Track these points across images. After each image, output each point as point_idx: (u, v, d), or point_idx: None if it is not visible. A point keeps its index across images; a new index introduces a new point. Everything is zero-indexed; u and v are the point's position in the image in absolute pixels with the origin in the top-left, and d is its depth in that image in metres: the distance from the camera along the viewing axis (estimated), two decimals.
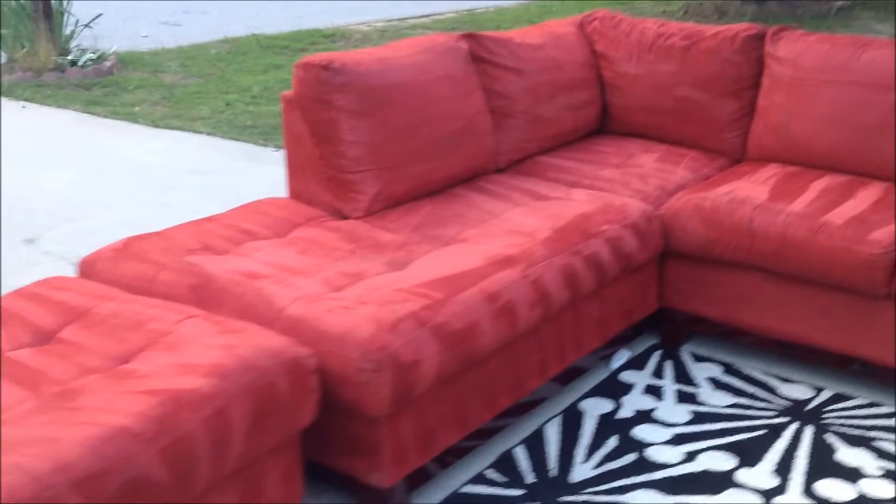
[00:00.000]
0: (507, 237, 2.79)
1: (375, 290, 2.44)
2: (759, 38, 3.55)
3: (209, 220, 2.92)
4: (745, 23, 3.66)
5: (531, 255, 2.70)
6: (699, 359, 3.26)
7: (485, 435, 2.72)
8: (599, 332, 3.04)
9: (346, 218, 2.99)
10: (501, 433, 2.80)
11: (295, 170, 3.13)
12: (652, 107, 3.72)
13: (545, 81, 3.58)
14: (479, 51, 3.42)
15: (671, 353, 3.30)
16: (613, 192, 3.25)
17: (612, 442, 2.79)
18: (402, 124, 3.04)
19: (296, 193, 3.15)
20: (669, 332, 3.37)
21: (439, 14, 11.77)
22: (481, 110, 3.33)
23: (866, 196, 3.10)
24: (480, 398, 2.58)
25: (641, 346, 3.36)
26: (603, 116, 3.86)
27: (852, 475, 2.62)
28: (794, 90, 3.42)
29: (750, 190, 3.16)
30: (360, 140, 2.96)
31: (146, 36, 10.04)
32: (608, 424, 2.88)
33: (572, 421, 2.90)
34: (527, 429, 2.86)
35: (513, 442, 2.79)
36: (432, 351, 2.31)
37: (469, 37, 3.43)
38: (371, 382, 2.19)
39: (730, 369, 3.19)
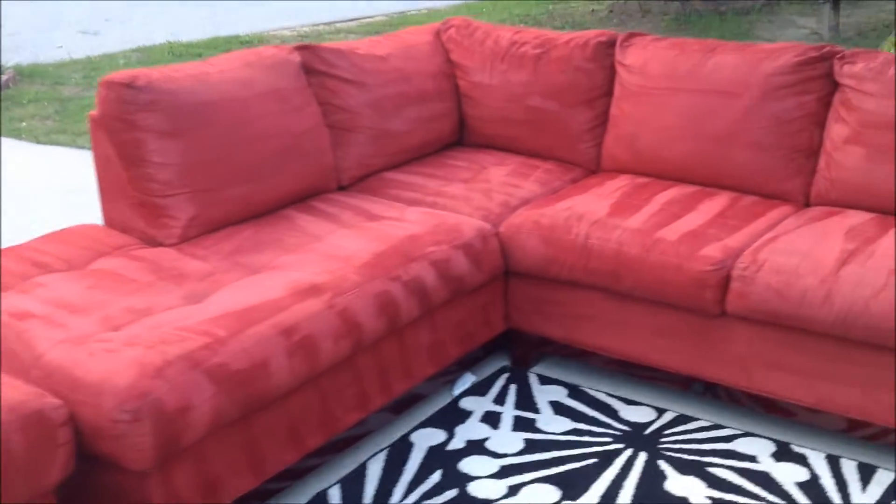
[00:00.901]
0: (321, 263, 2.64)
1: (155, 328, 2.27)
2: (611, 45, 3.42)
3: (8, 249, 2.74)
4: (599, 29, 3.53)
5: (341, 283, 2.55)
6: (546, 381, 3.13)
7: (298, 475, 2.56)
8: (433, 358, 2.90)
9: (159, 245, 2.82)
10: (318, 472, 2.65)
11: (107, 194, 2.96)
12: (506, 118, 3.59)
13: (391, 94, 3.43)
14: (314, 63, 3.26)
15: (519, 376, 3.17)
16: (455, 209, 3.11)
17: (435, 477, 2.64)
18: (218, 144, 2.87)
19: (110, 220, 2.97)
20: (518, 353, 3.24)
21: (369, 18, 11.60)
22: (317, 126, 3.18)
23: (708, 208, 2.99)
24: (281, 439, 2.42)
25: (491, 368, 3.23)
26: (460, 129, 3.72)
27: None
28: (642, 99, 3.29)
29: (591, 205, 3.03)
30: (171, 162, 2.79)
31: (61, 47, 9.78)
32: (436, 457, 2.73)
33: (399, 454, 2.75)
34: (348, 465, 2.71)
35: (330, 481, 2.64)
36: (205, 395, 2.15)
37: (303, 48, 3.27)
38: (129, 434, 2.03)
39: (575, 392, 3.06)
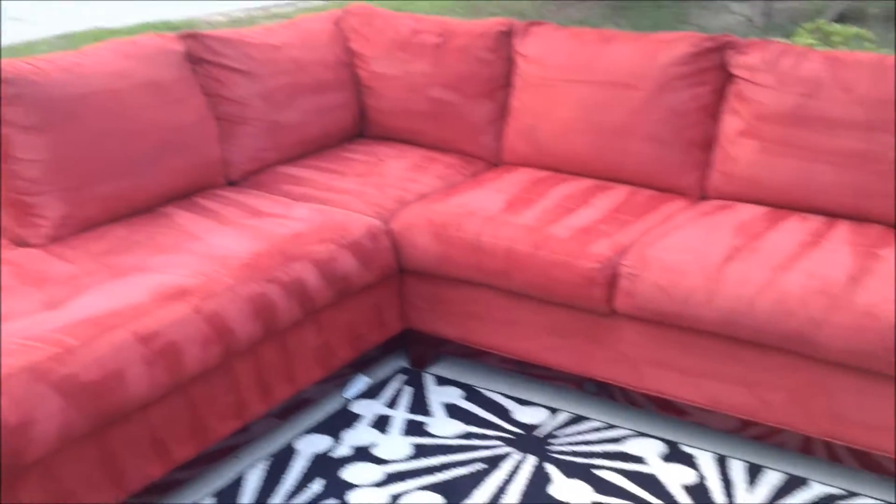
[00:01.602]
0: (194, 264, 2.52)
1: (5, 337, 2.14)
2: (510, 35, 3.33)
3: None
4: (499, 17, 3.43)
5: (212, 286, 2.44)
6: (443, 382, 3.05)
7: (172, 487, 2.45)
8: (321, 361, 2.80)
9: (27, 246, 2.68)
10: (193, 484, 2.54)
11: None
12: (408, 109, 3.49)
13: (284, 84, 3.31)
14: (200, 52, 3.13)
15: (416, 377, 3.08)
16: (346, 205, 3.00)
17: (315, 486, 2.55)
18: (90, 139, 2.74)
19: None
20: (416, 354, 3.15)
21: (306, 1, 11.41)
22: (202, 118, 3.05)
23: (603, 203, 2.92)
24: (144, 451, 2.31)
25: (389, 369, 3.14)
26: (361, 120, 3.61)
27: None
28: (541, 90, 3.21)
29: (486, 200, 2.95)
30: (39, 158, 2.65)
31: None
32: (319, 465, 2.64)
33: (280, 463, 2.65)
34: (226, 476, 2.60)
35: (205, 493, 2.53)
36: (52, 408, 2.03)
37: (188, 37, 3.14)
38: None
39: (471, 393, 2.98)
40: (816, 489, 2.48)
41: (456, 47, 3.39)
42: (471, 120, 3.39)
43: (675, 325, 2.56)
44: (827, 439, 2.46)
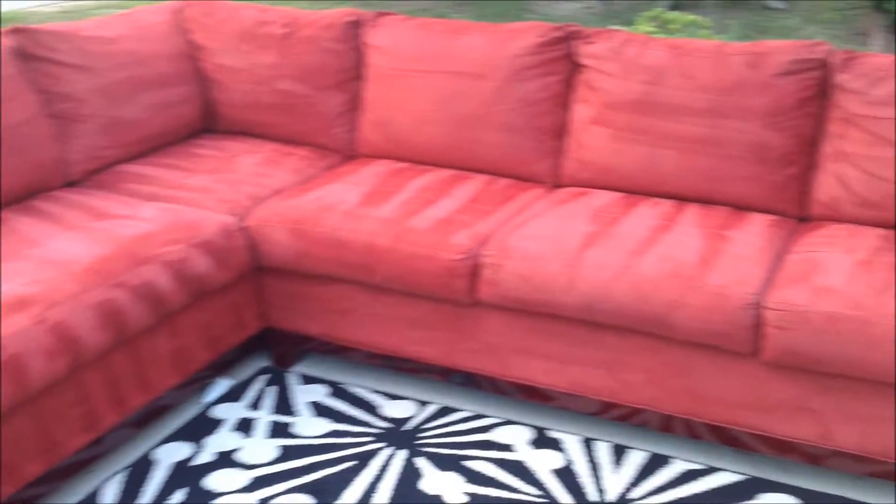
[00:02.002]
0: (34, 272, 2.36)
1: None
2: (358, 25, 3.28)
3: None
4: (348, 7, 3.37)
5: (55, 294, 2.29)
6: (308, 380, 2.98)
7: None
8: (177, 366, 2.68)
9: None
10: (45, 502, 2.39)
11: None
12: (256, 102, 3.38)
13: (122, 79, 3.15)
14: (31, 47, 2.94)
15: (279, 377, 3.00)
16: (197, 203, 2.88)
17: (177, 496, 2.44)
18: None
19: None
20: (278, 353, 3.06)
21: None
22: (33, 117, 2.87)
23: (462, 194, 2.91)
24: None
25: (250, 370, 3.04)
26: (208, 115, 3.48)
27: None
28: (393, 81, 3.18)
29: (343, 194, 2.89)
30: None
31: None
32: (181, 474, 2.53)
33: (138, 475, 2.53)
34: (80, 492, 2.46)
35: None
36: None
37: (17, 32, 2.94)
38: None
39: (337, 390, 2.92)
40: (678, 466, 2.55)
41: (303, 38, 3.31)
42: (322, 112, 3.32)
43: (537, 313, 2.58)
44: (686, 417, 2.54)
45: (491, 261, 2.58)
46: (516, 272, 2.55)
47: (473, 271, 2.61)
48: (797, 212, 2.79)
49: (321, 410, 2.82)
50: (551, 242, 2.57)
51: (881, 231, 2.60)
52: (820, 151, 2.75)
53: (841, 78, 2.69)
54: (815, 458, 2.45)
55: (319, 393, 2.91)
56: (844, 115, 2.69)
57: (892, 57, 2.68)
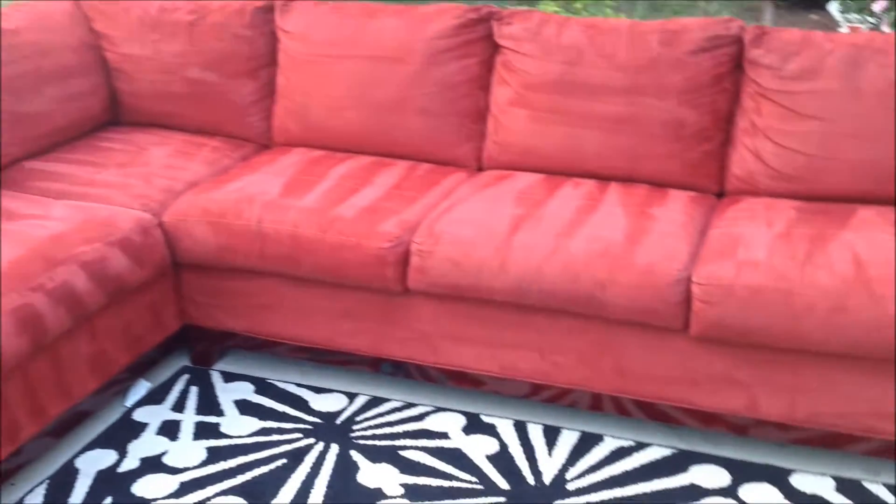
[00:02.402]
0: None
1: None
2: (270, 11, 3.20)
3: None
4: None
5: None
6: (231, 378, 2.91)
7: None
8: (96, 370, 2.58)
9: None
10: None
11: None
12: (164, 92, 3.27)
13: (26, 71, 3.01)
14: None
15: (201, 376, 2.92)
16: (110, 199, 2.77)
17: None
18: None
19: None
20: (198, 351, 2.99)
21: None
22: None
23: (384, 180, 2.88)
24: None
25: (170, 370, 2.96)
26: (113, 106, 3.35)
27: (373, 498, 2.38)
28: (308, 67, 3.11)
29: (263, 185, 2.83)
30: None
31: None
32: (106, 482, 2.45)
33: (62, 485, 2.43)
34: None
35: None
36: None
37: None
38: None
39: (263, 386, 2.86)
40: (610, 443, 2.58)
41: (211, 25, 3.21)
42: (234, 101, 3.23)
43: (468, 298, 2.57)
44: (616, 395, 2.57)
45: (420, 248, 2.56)
46: (446, 258, 2.53)
47: (403, 259, 2.58)
48: (715, 187, 2.84)
49: (247, 408, 2.76)
50: (480, 227, 2.56)
51: (796, 203, 2.66)
52: (735, 126, 2.80)
53: (754, 53, 2.74)
54: (741, 428, 2.51)
55: (244, 391, 2.85)
56: (758, 90, 2.74)
57: (804, 32, 2.74)
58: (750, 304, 2.30)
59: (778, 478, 2.43)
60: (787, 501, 2.36)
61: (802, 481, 2.42)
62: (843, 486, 2.40)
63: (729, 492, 2.39)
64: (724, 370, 2.43)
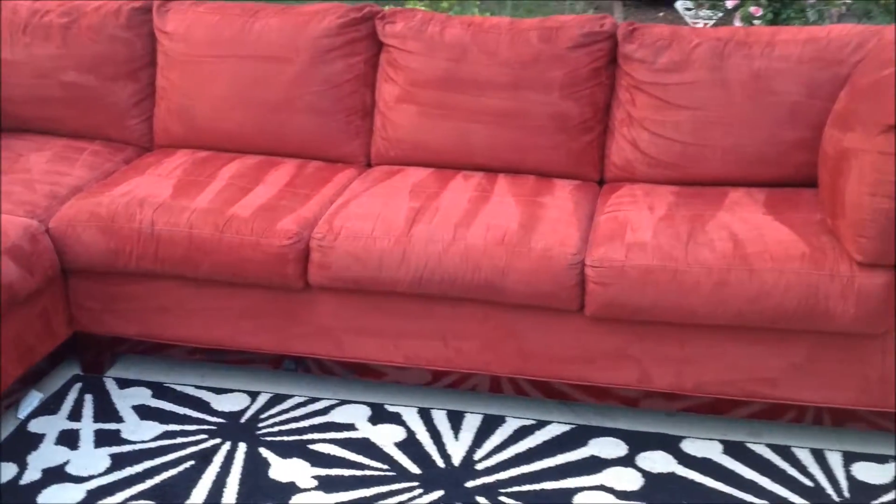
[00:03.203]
0: None
1: None
2: (147, 12, 3.16)
3: None
4: None
5: None
6: (126, 384, 2.87)
7: None
8: None
9: None
10: None
11: None
12: (39, 97, 3.18)
13: None
14: None
15: (94, 384, 2.86)
16: None
17: None
18: None
19: None
20: (90, 359, 2.92)
21: None
22: None
23: (276, 179, 2.89)
24: None
25: (61, 379, 2.88)
26: None
27: (286, 492, 2.40)
28: (189, 68, 3.09)
29: (152, 187, 2.80)
30: None
31: None
32: (10, 496, 2.38)
33: None
34: None
35: None
36: None
37: None
38: None
39: (160, 390, 2.83)
40: (512, 424, 2.68)
41: (87, 27, 3.15)
42: (114, 103, 3.18)
43: (370, 291, 2.62)
44: (517, 376, 2.67)
45: (320, 243, 2.59)
46: (347, 252, 2.57)
47: (303, 255, 2.61)
48: (596, 175, 2.99)
49: (147, 413, 2.73)
50: (378, 220, 2.62)
51: (673, 188, 2.83)
52: (613, 118, 2.95)
53: (627, 48, 2.90)
54: (633, 401, 2.66)
55: (142, 396, 2.81)
56: (632, 82, 2.89)
57: (672, 27, 2.91)
58: (640, 283, 2.44)
59: (670, 444, 2.59)
60: (679, 465, 2.51)
61: (692, 446, 2.58)
62: (729, 448, 2.58)
63: (627, 460, 2.53)
64: (617, 347, 2.57)
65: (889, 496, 2.39)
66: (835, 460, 2.52)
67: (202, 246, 2.63)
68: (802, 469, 2.49)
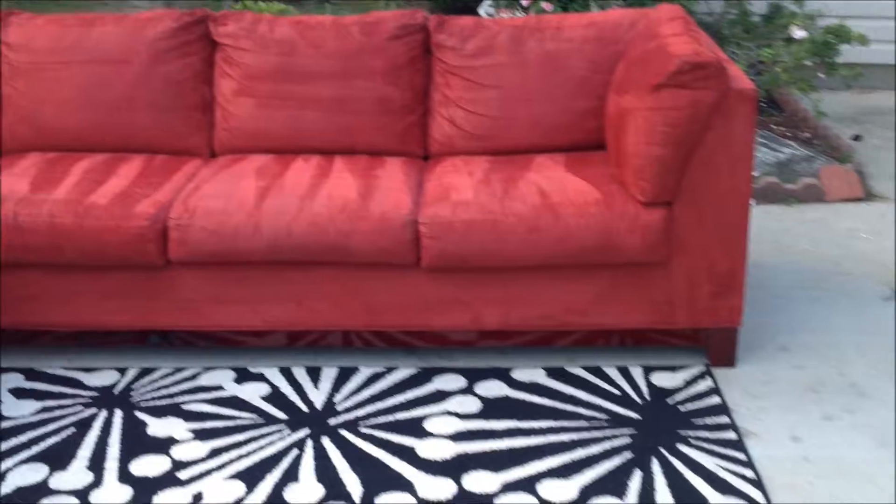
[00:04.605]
0: None
1: None
2: None
3: None
4: None
5: None
6: None
7: None
8: None
9: None
10: None
11: None
12: None
13: None
14: None
15: None
16: None
17: None
18: None
19: None
20: None
21: None
22: None
23: (128, 172, 3.12)
24: None
25: None
26: None
27: (165, 445, 2.65)
28: (34, 76, 3.29)
29: (9, 185, 2.98)
30: None
31: None
32: None
33: None
34: None
35: None
36: None
37: None
38: None
39: (32, 374, 3.00)
40: (365, 372, 3.02)
41: None
42: None
43: (227, 263, 2.90)
44: (365, 330, 3.02)
45: (178, 222, 2.85)
46: (203, 228, 2.85)
47: (162, 234, 2.86)
48: (420, 151, 3.37)
49: (23, 394, 2.90)
50: (229, 199, 2.90)
51: (487, 157, 3.25)
52: (431, 100, 3.34)
53: (438, 38, 3.30)
54: (469, 342, 3.06)
55: (14, 380, 2.98)
56: (446, 67, 3.30)
57: (475, 18, 3.34)
58: (466, 234, 2.84)
59: (502, 375, 2.99)
60: (511, 390, 2.92)
61: (521, 374, 3.00)
62: (552, 372, 3.01)
63: (467, 390, 2.92)
64: (451, 294, 2.95)
65: (680, 396, 2.88)
66: (637, 373, 2.99)
67: (65, 233, 2.84)
68: (612, 382, 2.95)
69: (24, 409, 2.81)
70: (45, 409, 2.82)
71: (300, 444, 2.66)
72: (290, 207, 2.87)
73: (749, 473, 2.50)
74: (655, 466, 2.54)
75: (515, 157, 3.22)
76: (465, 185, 2.99)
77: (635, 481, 2.49)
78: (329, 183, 3.01)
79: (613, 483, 2.48)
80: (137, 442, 2.67)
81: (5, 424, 2.74)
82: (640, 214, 2.82)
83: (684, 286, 2.90)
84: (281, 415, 2.80)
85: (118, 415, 2.79)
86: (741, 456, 2.58)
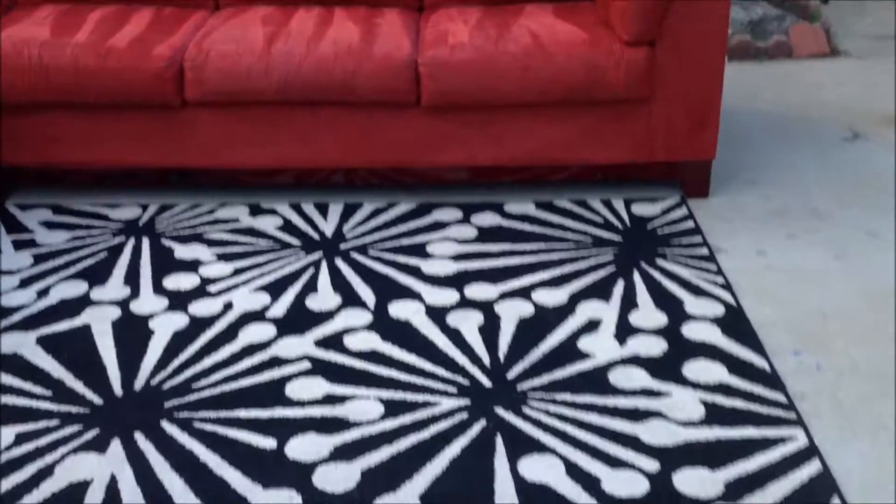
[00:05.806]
0: None
1: None
2: None
3: None
4: None
5: None
6: (27, 207, 3.25)
7: None
8: None
9: None
10: None
11: None
12: None
13: None
14: None
15: None
16: None
17: None
18: None
19: None
20: None
21: None
22: None
23: (139, 21, 3.29)
24: None
25: None
26: None
27: (193, 266, 2.91)
28: None
29: (31, 31, 3.14)
30: None
31: None
32: None
33: None
34: None
35: None
36: None
37: None
38: None
39: (60, 210, 3.23)
40: (369, 207, 3.27)
41: None
42: None
43: (240, 102, 3.11)
44: (368, 167, 3.26)
45: (193, 63, 3.05)
46: (217, 69, 3.05)
47: (179, 75, 3.06)
48: (415, 3, 3.56)
49: (53, 226, 3.14)
50: (240, 42, 3.10)
51: (481, 7, 3.45)
52: None
53: None
54: (464, 181, 3.31)
55: (44, 215, 3.20)
56: None
57: None
58: (463, 73, 3.06)
59: (496, 208, 3.26)
60: (504, 220, 3.19)
61: (513, 207, 3.26)
62: (541, 205, 3.27)
63: (463, 221, 3.18)
64: (449, 132, 3.18)
65: (658, 222, 3.16)
66: (619, 205, 3.27)
67: (87, 73, 3.03)
68: (596, 212, 3.22)
69: (57, 238, 3.05)
70: (76, 238, 3.06)
71: (316, 265, 2.93)
72: (298, 49, 3.07)
73: (720, 280, 2.81)
74: (637, 277, 2.84)
75: (507, 7, 3.42)
76: (461, 30, 3.20)
77: (619, 288, 2.79)
78: (332, 29, 3.21)
79: (599, 290, 2.78)
80: (167, 263, 2.92)
81: (43, 250, 2.98)
82: (625, 52, 3.05)
83: (663, 122, 3.16)
84: (295, 241, 3.06)
85: (146, 242, 3.04)
86: (713, 267, 2.87)
